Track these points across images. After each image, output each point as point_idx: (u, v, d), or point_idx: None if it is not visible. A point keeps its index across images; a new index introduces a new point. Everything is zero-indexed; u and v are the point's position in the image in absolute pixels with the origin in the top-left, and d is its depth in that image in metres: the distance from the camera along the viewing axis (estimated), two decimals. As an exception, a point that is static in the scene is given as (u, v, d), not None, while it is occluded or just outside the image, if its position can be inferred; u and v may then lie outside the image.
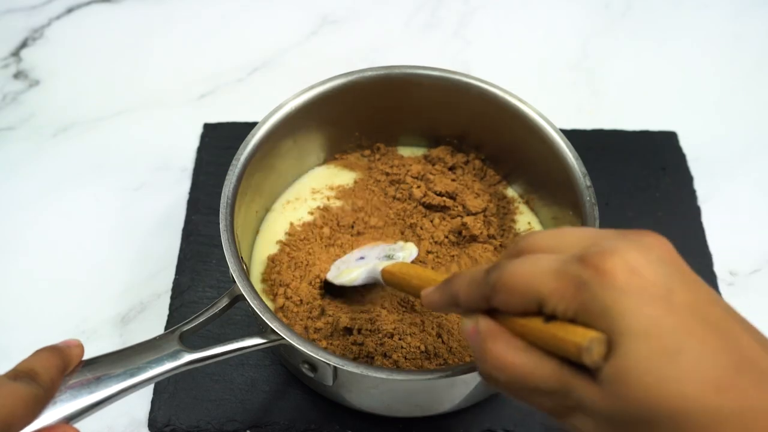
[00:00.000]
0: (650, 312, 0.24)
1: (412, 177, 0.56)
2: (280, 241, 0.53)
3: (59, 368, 0.34)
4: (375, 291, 0.50)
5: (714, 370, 0.24)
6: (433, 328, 0.48)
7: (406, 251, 0.49)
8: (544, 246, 0.29)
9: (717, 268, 0.57)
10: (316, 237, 0.53)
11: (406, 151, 0.59)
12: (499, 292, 0.28)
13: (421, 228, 0.54)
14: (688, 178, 0.63)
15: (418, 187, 0.55)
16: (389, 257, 0.47)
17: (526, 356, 0.27)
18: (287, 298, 0.49)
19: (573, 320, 0.26)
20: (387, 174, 0.57)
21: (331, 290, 0.50)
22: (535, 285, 0.27)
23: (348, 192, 0.56)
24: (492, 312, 0.29)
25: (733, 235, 0.59)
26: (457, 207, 0.54)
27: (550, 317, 0.27)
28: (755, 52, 0.73)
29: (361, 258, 0.49)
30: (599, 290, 0.25)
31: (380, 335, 0.47)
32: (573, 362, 0.26)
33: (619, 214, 0.60)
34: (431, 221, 0.54)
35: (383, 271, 0.44)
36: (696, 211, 0.60)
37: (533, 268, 0.27)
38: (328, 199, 0.56)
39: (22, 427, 0.31)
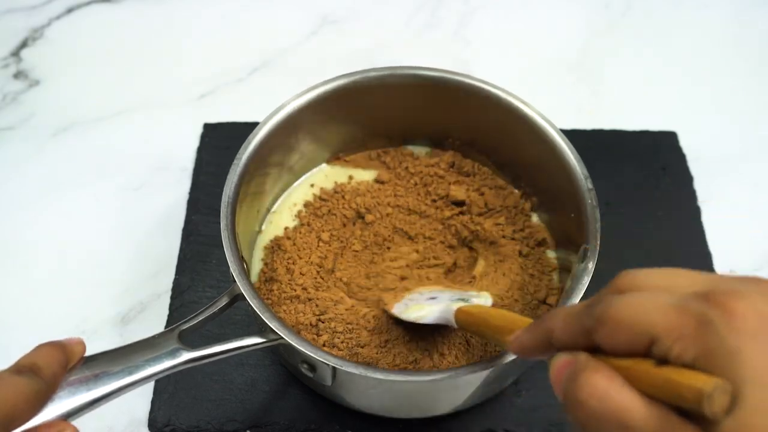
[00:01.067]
0: None
1: (448, 183, 0.56)
2: (287, 229, 0.54)
3: (61, 363, 0.34)
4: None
5: None
6: (423, 343, 0.47)
7: (482, 299, 0.45)
8: (653, 284, 0.26)
9: (717, 268, 0.57)
10: (323, 231, 0.53)
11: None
12: (604, 324, 0.25)
13: (458, 234, 0.54)
14: (688, 178, 0.62)
15: (465, 202, 0.55)
16: (464, 300, 0.44)
17: (630, 391, 0.24)
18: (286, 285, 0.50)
19: (689, 365, 0.23)
20: (412, 174, 0.56)
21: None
22: (649, 319, 0.24)
23: (373, 189, 0.56)
24: (591, 352, 0.26)
25: (733, 235, 0.59)
26: (479, 211, 0.54)
27: (662, 361, 0.24)
28: (755, 52, 0.73)
29: (432, 298, 0.47)
30: (727, 332, 0.22)
31: (348, 336, 0.46)
32: (681, 411, 0.23)
33: (619, 215, 0.59)
34: (463, 225, 0.54)
35: (458, 311, 0.41)
36: (696, 211, 0.60)
37: (647, 302, 0.25)
38: (344, 196, 0.56)
39: (25, 422, 0.31)
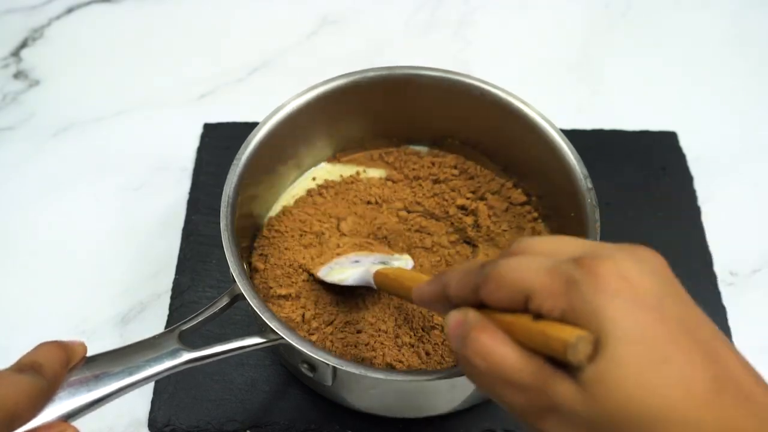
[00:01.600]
0: (640, 319, 0.25)
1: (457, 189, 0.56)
2: (284, 209, 0.54)
3: (62, 362, 0.33)
4: (372, 307, 0.50)
5: (699, 383, 0.24)
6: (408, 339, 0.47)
7: (402, 261, 0.49)
8: (541, 249, 0.29)
9: (717, 268, 0.57)
10: (325, 222, 0.53)
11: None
12: (489, 282, 0.28)
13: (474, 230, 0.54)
14: (688, 178, 0.63)
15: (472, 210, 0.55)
16: (384, 264, 0.47)
17: (510, 348, 0.27)
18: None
19: (558, 320, 0.26)
20: (420, 177, 0.56)
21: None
22: (526, 279, 0.27)
23: (387, 185, 0.56)
24: (480, 309, 0.29)
25: (733, 235, 0.59)
26: (481, 212, 0.55)
27: (538, 316, 0.27)
28: (755, 52, 0.73)
29: (356, 261, 0.49)
30: (590, 291, 0.25)
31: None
32: (556, 362, 0.26)
33: (619, 215, 0.59)
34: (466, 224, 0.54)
35: (376, 273, 0.44)
36: (696, 211, 0.60)
37: (527, 264, 0.28)
38: (356, 184, 0.56)
39: (27, 420, 0.31)
